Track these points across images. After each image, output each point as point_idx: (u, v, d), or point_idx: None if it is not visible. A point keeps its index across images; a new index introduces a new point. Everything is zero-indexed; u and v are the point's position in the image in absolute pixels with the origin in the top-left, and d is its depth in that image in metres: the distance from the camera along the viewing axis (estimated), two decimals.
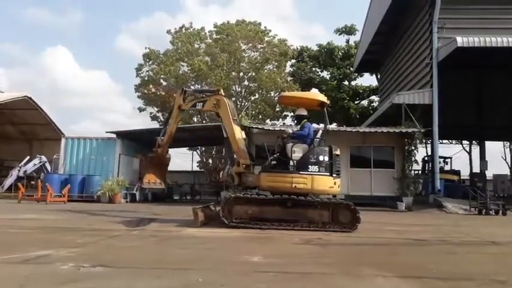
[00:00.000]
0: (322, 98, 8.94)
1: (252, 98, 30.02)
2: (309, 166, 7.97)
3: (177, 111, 10.40)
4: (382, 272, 4.22)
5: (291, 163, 8.06)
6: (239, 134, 9.14)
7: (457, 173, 23.27)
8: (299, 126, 9.12)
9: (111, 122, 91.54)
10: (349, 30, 35.04)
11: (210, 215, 8.78)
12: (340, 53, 33.98)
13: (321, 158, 8.05)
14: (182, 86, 11.13)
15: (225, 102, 9.45)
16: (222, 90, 10.32)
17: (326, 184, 8.01)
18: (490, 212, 13.95)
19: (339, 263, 4.82)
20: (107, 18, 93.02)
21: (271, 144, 9.04)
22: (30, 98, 22.61)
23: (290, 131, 8.82)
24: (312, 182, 7.91)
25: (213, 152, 31.35)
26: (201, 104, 10.03)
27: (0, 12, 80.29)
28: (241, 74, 30.05)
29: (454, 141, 30.32)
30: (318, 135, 8.73)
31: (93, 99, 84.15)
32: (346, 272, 4.29)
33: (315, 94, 9.23)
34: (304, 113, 8.97)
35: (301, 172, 7.96)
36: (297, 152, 8.13)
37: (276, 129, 16.79)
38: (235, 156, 9.02)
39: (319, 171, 7.98)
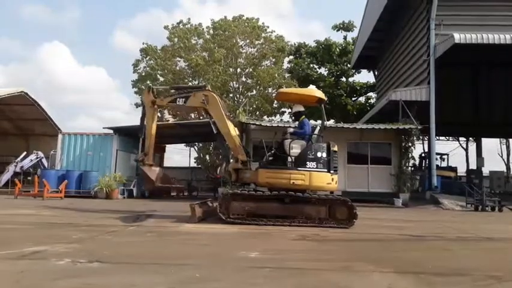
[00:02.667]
0: (320, 94, 8.93)
1: (250, 94, 29.98)
2: (307, 162, 7.97)
3: (152, 109, 9.74)
4: (378, 267, 4.24)
5: (289, 159, 8.06)
6: (233, 131, 8.99)
7: (454, 169, 23.37)
8: (297, 122, 9.12)
9: (109, 118, 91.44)
10: (346, 27, 34.98)
11: (208, 211, 8.77)
12: (337, 50, 33.92)
13: (319, 154, 8.05)
14: (149, 85, 10.46)
15: (215, 97, 9.13)
16: (209, 86, 9.97)
17: (324, 180, 8.02)
18: (486, 208, 14.02)
19: (336, 258, 4.83)
20: (104, 15, 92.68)
21: (268, 141, 9.05)
22: (27, 94, 22.51)
23: (291, 130, 8.72)
24: (310, 178, 7.91)
25: (211, 148, 31.30)
26: (183, 99, 9.36)
27: None
28: (238, 70, 29.99)
29: (450, 138, 30.42)
30: (316, 132, 8.73)
31: (91, 96, 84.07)
32: (343, 267, 4.30)
33: (313, 90, 9.21)
34: (302, 109, 8.99)
35: (299, 168, 7.96)
36: (295, 148, 8.13)
37: (274, 125, 16.79)
38: (232, 152, 8.97)
39: (317, 168, 7.99)
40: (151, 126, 9.70)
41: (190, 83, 29.24)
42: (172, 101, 9.58)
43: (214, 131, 9.14)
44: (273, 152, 8.47)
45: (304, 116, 8.88)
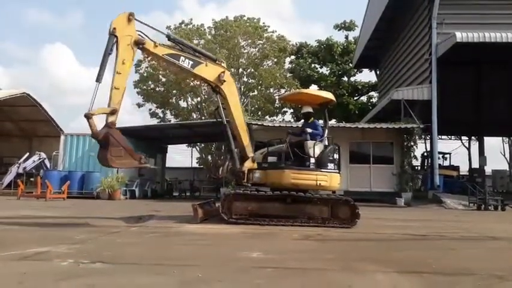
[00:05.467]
0: (332, 97, 9.03)
1: (251, 94, 29.99)
2: (328, 164, 8.15)
3: (130, 49, 7.00)
4: (381, 267, 4.23)
5: (312, 160, 8.07)
6: None
7: (456, 168, 23.32)
8: (299, 122, 9.11)
9: None
10: (348, 26, 34.99)
11: (210, 212, 8.74)
12: (339, 49, 33.93)
13: (335, 155, 8.34)
14: (131, 12, 7.07)
15: (233, 80, 8.16)
16: (225, 64, 8.32)
17: (337, 181, 8.28)
18: (489, 207, 13.99)
19: (339, 258, 4.82)
20: (107, 17, 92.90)
21: (268, 140, 9.02)
22: (29, 95, 22.58)
23: (310, 130, 8.49)
24: (331, 179, 8.10)
25: (212, 149, 31.34)
26: (190, 62, 7.62)
27: (1, 11, 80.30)
28: (240, 70, 30.00)
29: (453, 137, 30.36)
30: (326, 133, 8.73)
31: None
32: (345, 267, 4.29)
33: (328, 93, 9.29)
34: (311, 110, 8.97)
35: (322, 170, 8.07)
36: (317, 149, 8.18)
37: (276, 125, 16.80)
38: (240, 150, 8.42)
39: (333, 169, 8.23)
40: (128, 71, 7.04)
41: (191, 83, 29.16)
42: (174, 56, 7.51)
43: (224, 121, 8.17)
44: (286, 151, 8.38)
45: (312, 118, 8.91)
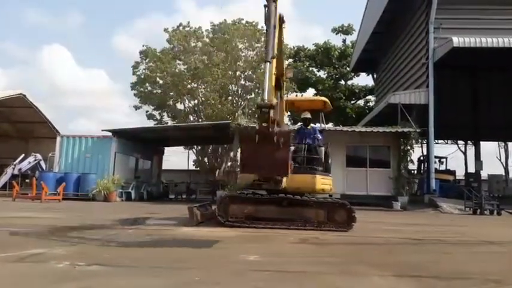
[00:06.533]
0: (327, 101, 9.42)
1: (249, 97, 30.01)
2: (331, 169, 8.54)
3: (277, 28, 5.74)
4: (378, 271, 4.22)
5: (326, 166, 8.36)
6: None
7: (452, 173, 23.40)
8: (298, 128, 9.19)
9: (109, 120, 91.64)
10: (346, 30, 35.13)
11: (206, 214, 8.74)
12: (336, 53, 34.06)
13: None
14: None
15: None
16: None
17: None
18: (485, 212, 14.03)
19: (336, 262, 4.81)
20: (106, 19, 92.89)
21: None
22: (25, 96, 22.49)
23: (320, 137, 8.63)
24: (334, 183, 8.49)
25: (209, 151, 31.32)
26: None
27: (1, 11, 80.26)
28: (237, 73, 30.01)
29: (449, 141, 30.48)
30: None
31: (91, 99, 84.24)
32: (342, 271, 4.29)
33: (326, 100, 9.59)
34: (310, 116, 9.08)
35: (330, 175, 8.41)
36: (325, 155, 8.37)
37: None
38: None
39: (331, 173, 8.56)
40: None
41: (189, 86, 29.20)
42: (280, 42, 6.44)
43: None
44: (304, 157, 8.38)
45: (311, 123, 9.04)
